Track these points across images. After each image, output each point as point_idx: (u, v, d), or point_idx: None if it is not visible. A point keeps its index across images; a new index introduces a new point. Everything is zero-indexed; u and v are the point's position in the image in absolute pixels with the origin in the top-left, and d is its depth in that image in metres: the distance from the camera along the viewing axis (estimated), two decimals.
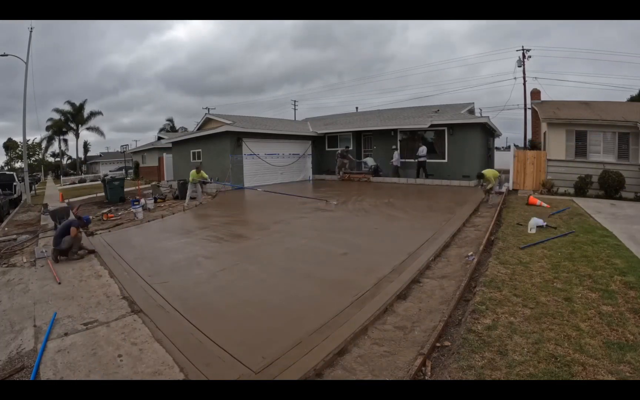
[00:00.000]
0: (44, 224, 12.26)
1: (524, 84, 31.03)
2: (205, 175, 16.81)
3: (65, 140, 59.30)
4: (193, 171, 16.44)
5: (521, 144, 30.33)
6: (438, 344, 4.30)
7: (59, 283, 6.51)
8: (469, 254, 7.51)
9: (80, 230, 8.67)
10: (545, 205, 12.74)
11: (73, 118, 55.17)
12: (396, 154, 22.35)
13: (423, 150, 20.83)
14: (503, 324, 4.44)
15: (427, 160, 21.02)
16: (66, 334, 4.64)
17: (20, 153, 27.66)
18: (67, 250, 7.92)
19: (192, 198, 16.38)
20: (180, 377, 3.71)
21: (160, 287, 6.18)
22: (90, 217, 9.30)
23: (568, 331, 4.18)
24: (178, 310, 5.26)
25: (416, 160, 21.07)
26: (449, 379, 3.46)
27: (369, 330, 4.65)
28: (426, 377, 3.66)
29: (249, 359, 3.98)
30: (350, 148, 25.11)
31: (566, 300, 4.99)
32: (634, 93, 33.12)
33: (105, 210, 14.42)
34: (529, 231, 8.92)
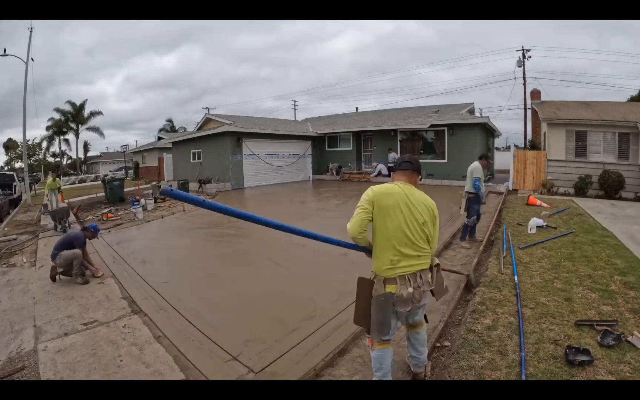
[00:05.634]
0: (43, 223, 12.28)
1: (524, 84, 31.04)
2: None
3: (67, 140, 59.26)
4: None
5: (521, 144, 30.32)
6: (438, 344, 4.31)
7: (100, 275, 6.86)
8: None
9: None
10: (545, 205, 12.76)
11: (73, 118, 55.12)
12: (392, 155, 22.49)
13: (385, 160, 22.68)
14: (503, 324, 4.45)
15: (428, 161, 21.45)
16: (66, 334, 4.64)
17: (20, 153, 27.65)
18: (68, 267, 6.58)
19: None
20: (180, 377, 3.72)
21: (161, 287, 6.18)
22: (98, 225, 7.88)
23: (568, 331, 4.18)
24: (178, 311, 5.25)
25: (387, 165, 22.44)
26: (449, 379, 3.46)
27: None
28: (426, 377, 3.66)
29: (249, 359, 3.99)
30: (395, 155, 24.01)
31: (566, 301, 4.99)
32: (634, 93, 33.10)
33: (105, 210, 14.44)
34: (529, 231, 8.92)
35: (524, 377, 3.34)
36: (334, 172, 24.32)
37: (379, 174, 22.60)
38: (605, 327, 4.14)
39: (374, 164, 23.21)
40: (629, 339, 3.91)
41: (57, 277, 6.62)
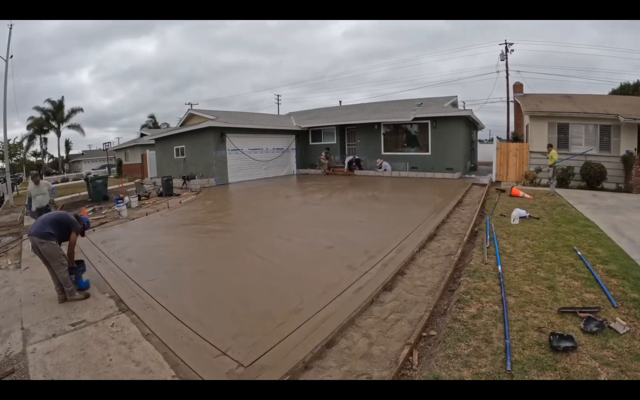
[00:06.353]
0: (27, 224, 12.08)
1: (507, 77, 31.35)
2: None
3: (45, 139, 58.31)
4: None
5: (504, 136, 30.64)
6: (424, 334, 4.37)
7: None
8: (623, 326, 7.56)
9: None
10: (528, 196, 12.96)
11: (54, 116, 54.20)
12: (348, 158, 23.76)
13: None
14: (488, 312, 4.54)
15: (411, 154, 21.97)
16: (54, 335, 4.60)
17: (0, 153, 27.03)
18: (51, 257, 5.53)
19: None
20: (170, 374, 3.72)
21: (147, 285, 6.14)
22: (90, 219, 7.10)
23: (552, 318, 4.29)
24: (166, 308, 5.24)
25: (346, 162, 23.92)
26: (436, 367, 3.52)
27: (356, 322, 4.70)
28: (414, 366, 3.71)
29: (238, 354, 4.01)
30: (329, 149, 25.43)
31: (549, 289, 5.11)
32: (616, 86, 33.65)
33: (89, 209, 14.26)
34: (512, 222, 9.07)
35: (509, 364, 3.41)
36: (345, 163, 24.35)
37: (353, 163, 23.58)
38: (588, 314, 4.25)
39: (379, 161, 23.31)
40: (612, 325, 4.03)
41: (62, 296, 5.58)
